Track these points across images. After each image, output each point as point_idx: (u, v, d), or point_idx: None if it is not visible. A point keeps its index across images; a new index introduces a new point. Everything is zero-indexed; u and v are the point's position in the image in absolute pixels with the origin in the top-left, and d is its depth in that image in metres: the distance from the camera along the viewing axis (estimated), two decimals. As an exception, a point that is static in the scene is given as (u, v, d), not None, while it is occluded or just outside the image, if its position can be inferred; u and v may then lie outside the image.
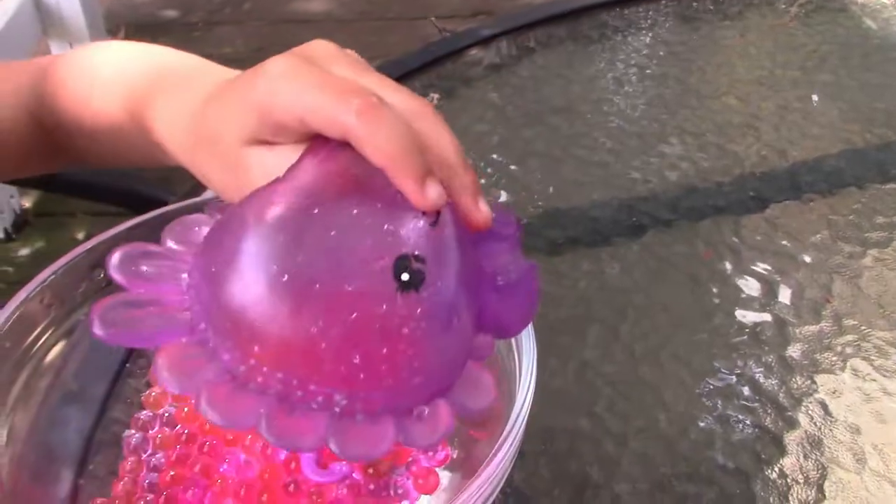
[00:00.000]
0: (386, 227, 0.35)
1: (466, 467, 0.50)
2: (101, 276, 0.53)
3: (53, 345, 0.50)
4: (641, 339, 0.64)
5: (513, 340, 0.46)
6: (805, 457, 0.56)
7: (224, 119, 0.39)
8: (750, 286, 0.68)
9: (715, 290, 0.68)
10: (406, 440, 0.36)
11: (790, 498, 0.54)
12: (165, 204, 0.52)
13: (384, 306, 0.34)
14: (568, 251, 0.71)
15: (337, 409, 0.35)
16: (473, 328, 0.39)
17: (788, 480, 0.55)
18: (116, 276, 0.37)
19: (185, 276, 0.38)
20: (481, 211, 0.37)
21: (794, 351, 0.63)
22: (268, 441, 0.34)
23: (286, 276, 0.33)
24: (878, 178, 0.79)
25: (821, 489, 0.54)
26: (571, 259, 0.71)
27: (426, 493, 0.49)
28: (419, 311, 0.35)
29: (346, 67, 0.37)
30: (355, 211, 0.35)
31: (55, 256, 0.46)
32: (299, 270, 0.34)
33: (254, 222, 0.35)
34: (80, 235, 1.80)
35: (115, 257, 0.37)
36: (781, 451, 0.57)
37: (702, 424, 0.58)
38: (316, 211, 0.35)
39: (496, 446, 0.40)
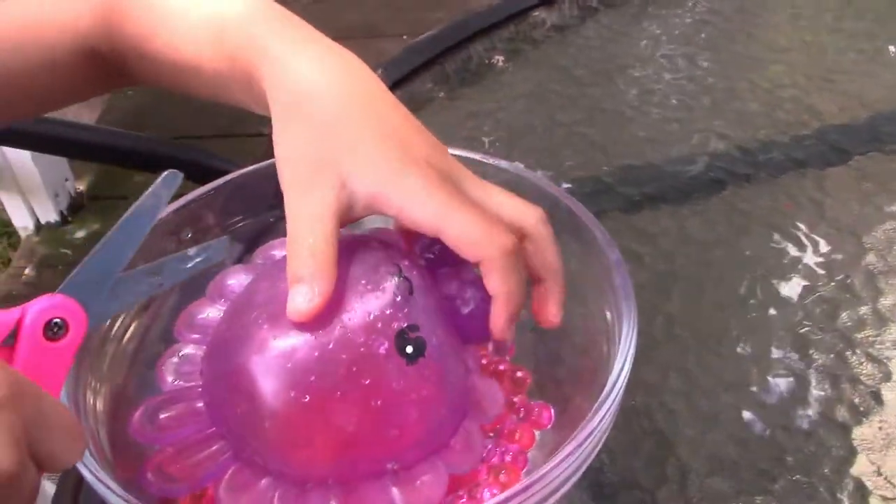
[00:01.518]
0: (372, 315, 0.38)
1: (561, 423, 0.49)
2: (189, 235, 0.53)
3: (141, 309, 0.50)
4: (728, 292, 0.63)
5: (612, 302, 0.45)
6: (906, 408, 0.55)
7: (354, 167, 0.40)
8: (836, 237, 0.66)
9: (801, 241, 0.66)
10: (455, 470, 0.40)
11: (892, 449, 0.52)
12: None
13: (401, 382, 0.38)
14: (646, 208, 0.70)
15: (391, 471, 0.38)
16: (459, 350, 0.42)
17: (890, 431, 0.53)
18: (142, 439, 0.41)
19: (200, 404, 0.42)
20: (556, 315, 0.43)
21: (884, 301, 0.61)
22: None
23: (307, 398, 0.37)
24: (962, 125, 0.77)
25: (924, 440, 0.53)
26: (650, 216, 0.69)
27: (525, 448, 0.48)
28: (428, 371, 0.38)
29: (473, 186, 0.42)
30: (338, 317, 0.38)
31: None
32: (317, 387, 0.37)
33: (258, 360, 0.38)
34: (134, 217, 1.81)
35: (135, 421, 0.41)
36: (879, 402, 0.55)
37: (795, 377, 0.57)
38: (308, 334, 0.38)
39: (595, 407, 0.39)
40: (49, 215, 1.86)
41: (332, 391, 0.37)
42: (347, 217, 0.40)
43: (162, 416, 0.42)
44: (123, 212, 0.47)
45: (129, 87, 0.55)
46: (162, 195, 0.39)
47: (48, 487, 0.68)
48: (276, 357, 0.38)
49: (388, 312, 0.39)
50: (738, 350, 0.59)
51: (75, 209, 1.90)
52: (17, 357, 0.32)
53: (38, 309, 0.33)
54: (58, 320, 0.33)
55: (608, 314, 0.47)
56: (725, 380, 0.57)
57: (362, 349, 0.38)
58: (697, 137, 0.77)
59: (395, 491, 0.38)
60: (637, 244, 0.66)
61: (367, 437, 0.38)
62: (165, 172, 0.39)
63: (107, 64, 0.52)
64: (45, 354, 0.33)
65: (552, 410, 0.48)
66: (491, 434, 0.49)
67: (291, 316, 0.38)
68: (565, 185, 0.73)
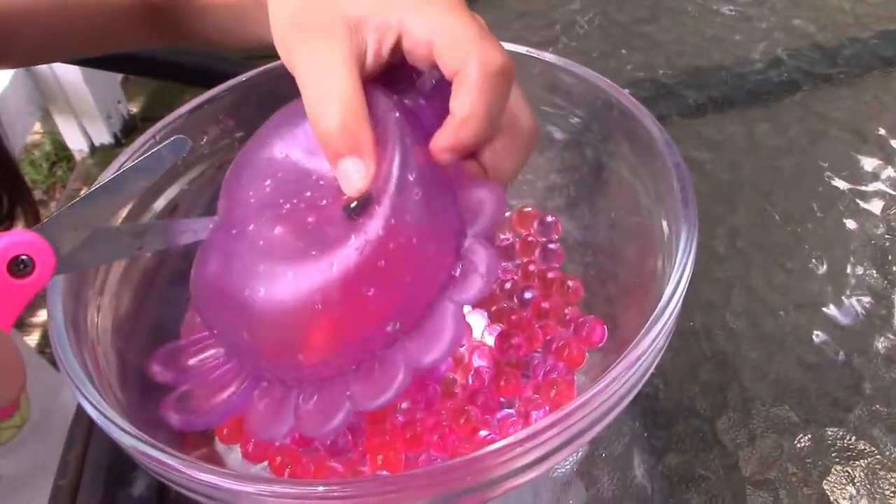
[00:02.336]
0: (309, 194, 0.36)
1: (611, 345, 0.45)
2: (203, 141, 0.49)
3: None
4: (799, 203, 0.56)
5: (669, 211, 0.40)
6: None
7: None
8: (926, 144, 0.59)
9: (886, 147, 0.59)
10: (469, 301, 0.35)
11: None
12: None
13: (360, 237, 0.33)
14: (711, 112, 0.64)
15: (398, 333, 0.35)
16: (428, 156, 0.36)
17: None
18: (163, 379, 0.40)
19: (212, 351, 0.40)
20: (437, 149, 0.35)
21: (982, 214, 0.55)
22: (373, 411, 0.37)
23: (295, 301, 0.34)
24: None
25: None
26: (716, 121, 0.63)
27: (573, 367, 0.44)
28: (388, 214, 0.33)
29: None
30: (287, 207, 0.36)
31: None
32: (296, 288, 0.34)
33: (242, 286, 0.35)
34: (188, 139, 1.79)
35: (155, 366, 0.40)
36: (972, 325, 0.49)
37: (875, 296, 0.51)
38: (251, 228, 0.36)
39: (647, 325, 0.34)
40: (102, 137, 1.86)
41: (283, 275, 0.34)
42: (363, 71, 0.35)
43: (180, 359, 0.41)
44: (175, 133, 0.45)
45: (178, 41, 0.56)
46: (165, 158, 0.36)
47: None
48: (256, 279, 0.35)
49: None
50: (810, 266, 0.53)
51: (128, 131, 1.88)
52: None
53: (5, 243, 0.32)
54: (24, 257, 0.32)
55: (665, 224, 0.41)
56: (794, 299, 0.51)
57: (310, 227, 0.35)
58: (769, 35, 0.70)
59: (411, 347, 0.35)
60: (699, 151, 0.60)
61: (345, 310, 0.34)
62: (174, 137, 0.37)
63: (159, 15, 0.52)
64: (3, 289, 0.32)
65: (605, 327, 0.43)
66: (538, 350, 0.45)
67: (353, 195, 0.34)
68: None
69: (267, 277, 0.34)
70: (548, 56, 0.46)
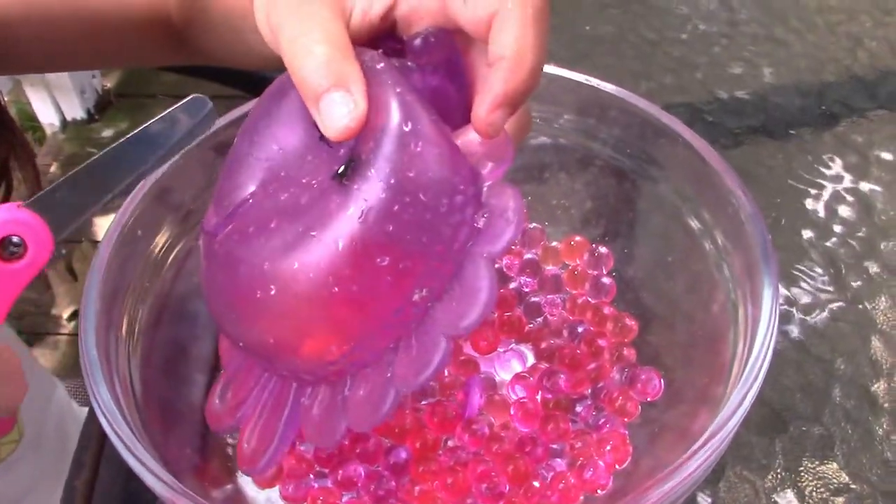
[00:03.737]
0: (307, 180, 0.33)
1: (665, 399, 0.42)
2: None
3: (174, 236, 0.44)
4: (843, 245, 0.55)
5: (740, 263, 0.38)
6: None
7: None
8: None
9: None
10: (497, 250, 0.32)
11: None
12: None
13: (360, 204, 0.30)
14: (748, 142, 0.62)
15: (427, 299, 0.32)
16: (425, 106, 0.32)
17: None
18: (225, 425, 0.38)
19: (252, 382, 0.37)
20: (482, 118, 0.31)
21: None
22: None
23: (305, 290, 0.31)
24: None
25: None
26: (752, 151, 0.61)
27: (626, 419, 0.41)
28: (386, 173, 0.30)
29: None
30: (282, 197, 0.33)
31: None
32: (288, 275, 0.31)
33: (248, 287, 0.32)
34: (163, 118, 1.73)
35: (211, 411, 0.38)
36: None
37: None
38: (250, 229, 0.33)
39: (734, 397, 0.32)
40: (75, 112, 1.79)
41: (317, 269, 0.31)
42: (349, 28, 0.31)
43: (230, 402, 0.38)
44: (151, 112, 0.41)
45: (188, 60, 0.55)
46: (180, 122, 0.31)
47: (78, 411, 0.63)
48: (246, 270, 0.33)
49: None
50: (859, 308, 0.51)
51: (102, 107, 1.82)
52: None
53: None
54: (16, 238, 0.28)
55: (732, 273, 0.39)
56: (840, 348, 0.50)
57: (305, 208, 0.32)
58: (807, 63, 0.68)
59: (445, 313, 0.32)
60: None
61: (360, 286, 0.31)
62: (190, 97, 0.32)
63: (174, 32, 0.51)
64: None
65: (661, 380, 0.41)
66: (588, 392, 0.43)
67: (337, 136, 0.29)
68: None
69: (274, 274, 0.31)
70: (594, 81, 0.44)
